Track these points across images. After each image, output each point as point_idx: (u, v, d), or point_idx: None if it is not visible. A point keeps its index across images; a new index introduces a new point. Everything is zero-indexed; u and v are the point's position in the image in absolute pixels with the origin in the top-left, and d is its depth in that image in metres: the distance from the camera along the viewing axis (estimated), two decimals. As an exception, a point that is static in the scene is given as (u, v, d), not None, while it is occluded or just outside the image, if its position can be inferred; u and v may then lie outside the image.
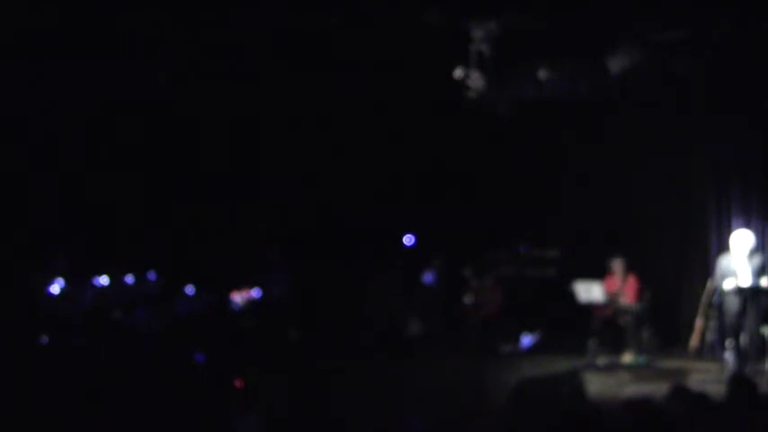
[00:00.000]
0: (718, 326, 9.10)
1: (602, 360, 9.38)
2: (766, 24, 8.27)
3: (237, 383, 7.35)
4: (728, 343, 8.71)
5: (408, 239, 13.17)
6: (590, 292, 9.47)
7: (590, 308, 9.60)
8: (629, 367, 9.28)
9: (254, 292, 12.68)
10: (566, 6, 8.38)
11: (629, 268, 9.81)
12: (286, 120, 11.85)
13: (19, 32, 8.77)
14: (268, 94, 10.86)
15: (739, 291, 8.65)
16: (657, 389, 7.31)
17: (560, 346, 10.24)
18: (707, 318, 9.35)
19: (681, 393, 4.74)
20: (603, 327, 9.60)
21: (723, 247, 9.41)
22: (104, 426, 6.65)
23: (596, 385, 7.95)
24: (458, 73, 8.83)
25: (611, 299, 9.59)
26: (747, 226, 9.64)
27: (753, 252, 8.85)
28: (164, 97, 10.80)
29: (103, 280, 13.01)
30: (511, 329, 10.91)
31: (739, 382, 5.01)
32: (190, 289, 12.95)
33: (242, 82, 10.50)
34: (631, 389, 8.20)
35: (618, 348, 9.54)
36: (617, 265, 9.79)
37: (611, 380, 8.67)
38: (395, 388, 8.43)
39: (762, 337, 8.66)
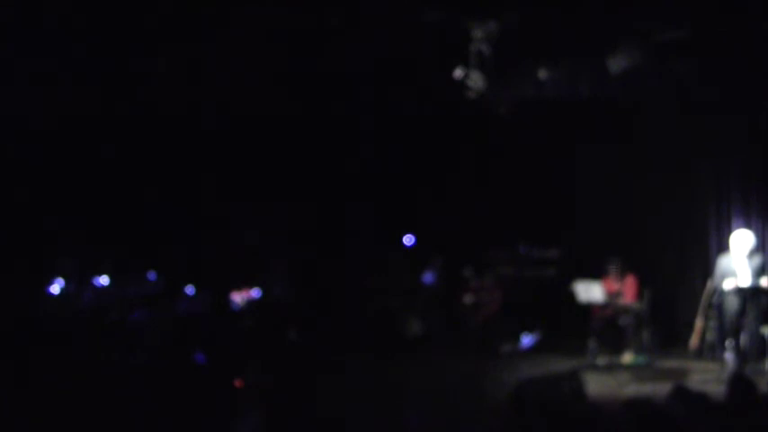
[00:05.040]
0: (718, 326, 9.10)
1: (602, 360, 9.38)
2: (766, 24, 8.27)
3: (237, 383, 7.35)
4: (728, 343, 8.72)
5: (408, 239, 13.16)
6: (590, 292, 9.47)
7: (590, 308, 9.60)
8: (629, 367, 9.28)
9: (254, 292, 12.65)
10: (566, 6, 8.37)
11: (629, 268, 9.80)
12: (285, 120, 11.85)
13: (18, 31, 8.78)
14: (267, 93, 10.85)
15: (739, 291, 8.66)
16: (657, 389, 7.32)
17: (560, 346, 10.25)
18: (707, 318, 9.36)
19: (681, 393, 4.73)
20: (603, 327, 9.60)
21: (723, 247, 9.41)
22: (105, 426, 6.65)
23: (596, 385, 7.94)
24: (458, 73, 8.83)
25: (611, 299, 9.58)
26: (747, 226, 9.65)
27: (753, 252, 8.86)
28: (164, 97, 10.79)
29: (103, 280, 12.98)
30: (511, 329, 10.90)
31: (739, 382, 5.01)
32: (190, 289, 12.92)
33: (241, 81, 10.49)
34: (631, 389, 8.19)
35: (618, 348, 9.54)
36: (613, 268, 9.77)
37: (611, 380, 8.66)
38: (395, 388, 8.42)
39: (762, 337, 8.67)
